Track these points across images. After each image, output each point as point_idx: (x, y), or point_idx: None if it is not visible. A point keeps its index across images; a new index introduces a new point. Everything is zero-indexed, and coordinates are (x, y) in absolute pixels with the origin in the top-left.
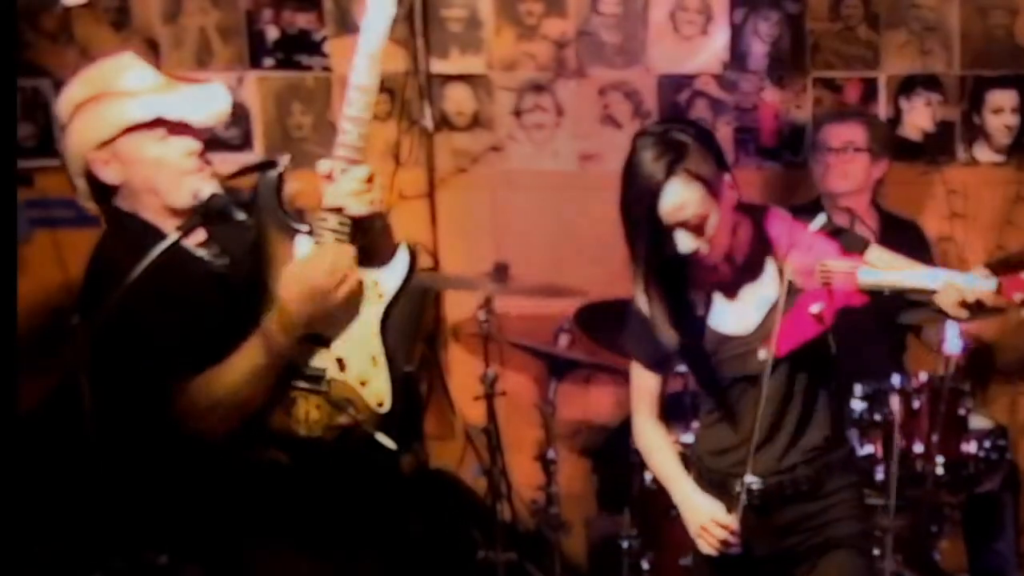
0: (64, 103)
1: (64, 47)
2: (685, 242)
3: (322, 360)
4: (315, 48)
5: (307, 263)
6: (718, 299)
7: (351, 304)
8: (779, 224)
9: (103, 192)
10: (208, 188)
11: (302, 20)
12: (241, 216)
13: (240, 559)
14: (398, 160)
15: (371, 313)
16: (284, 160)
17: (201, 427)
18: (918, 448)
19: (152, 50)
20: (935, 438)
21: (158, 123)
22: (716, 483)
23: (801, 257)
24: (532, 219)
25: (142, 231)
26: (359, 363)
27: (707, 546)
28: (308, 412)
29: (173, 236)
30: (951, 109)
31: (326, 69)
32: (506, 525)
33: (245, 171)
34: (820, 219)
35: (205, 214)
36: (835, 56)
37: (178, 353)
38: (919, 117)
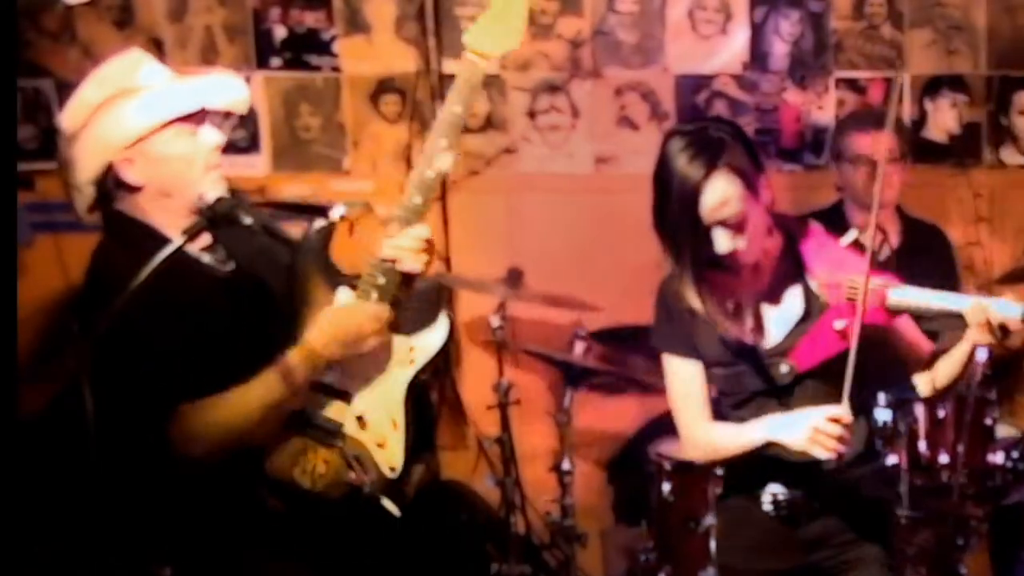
0: (76, 108)
1: (66, 47)
2: (723, 241)
3: (341, 415)
4: (324, 48)
5: (345, 311)
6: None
7: (377, 361)
8: (811, 236)
9: (107, 198)
10: (213, 192)
11: (311, 19)
12: (248, 220)
13: (243, 572)
14: (409, 163)
15: (400, 377)
16: (339, 211)
17: (194, 450)
18: (943, 458)
19: (156, 49)
20: (960, 448)
21: (189, 117)
22: (745, 490)
23: (830, 271)
24: (547, 223)
25: (147, 236)
26: (379, 424)
27: (823, 450)
28: (316, 466)
29: (178, 240)
30: (977, 110)
31: (335, 69)
32: (520, 538)
33: (296, 209)
34: (851, 234)
35: (211, 218)
36: (859, 56)
37: (180, 360)
38: (945, 118)
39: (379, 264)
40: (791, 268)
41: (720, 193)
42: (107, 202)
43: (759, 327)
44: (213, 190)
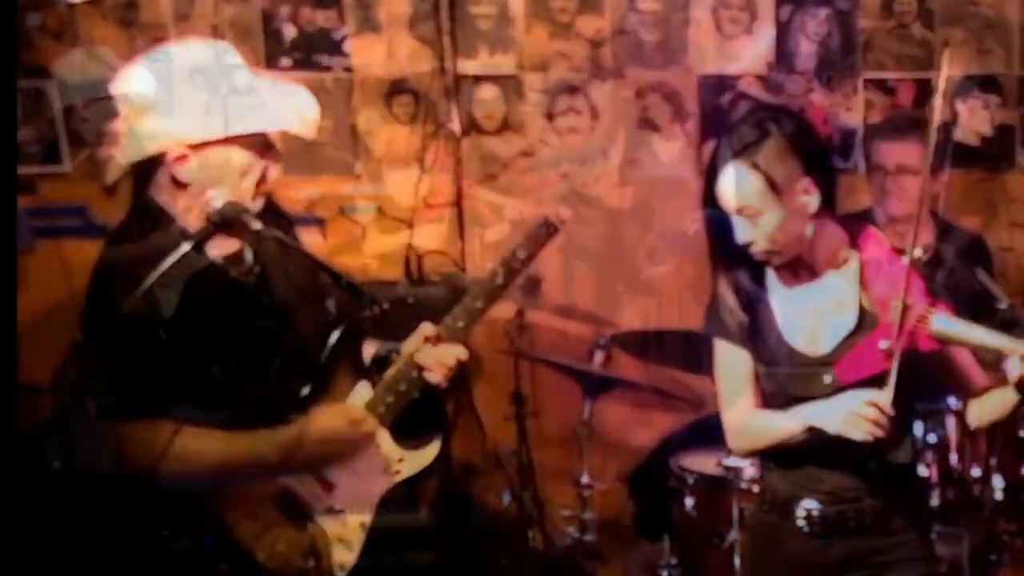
0: (141, 80)
1: (69, 46)
2: (741, 231)
3: (319, 502)
4: (335, 47)
5: (343, 425)
6: (793, 308)
7: (366, 462)
8: (872, 246)
9: (143, 181)
10: (221, 197)
11: (321, 18)
12: (256, 226)
13: None
14: (423, 166)
15: (382, 483)
16: (382, 304)
17: (173, 469)
18: (975, 472)
19: None
20: (994, 461)
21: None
22: (778, 504)
23: (884, 287)
24: (565, 228)
25: (174, 234)
26: (350, 522)
27: (860, 432)
28: (275, 543)
29: (184, 247)
30: (1011, 112)
31: (347, 70)
32: (538, 554)
33: (346, 285)
34: (915, 252)
35: (218, 223)
36: (887, 56)
37: (182, 363)
38: (977, 120)
39: (407, 368)
40: (850, 278)
41: (731, 184)
42: (141, 185)
43: (810, 334)
44: (219, 196)
